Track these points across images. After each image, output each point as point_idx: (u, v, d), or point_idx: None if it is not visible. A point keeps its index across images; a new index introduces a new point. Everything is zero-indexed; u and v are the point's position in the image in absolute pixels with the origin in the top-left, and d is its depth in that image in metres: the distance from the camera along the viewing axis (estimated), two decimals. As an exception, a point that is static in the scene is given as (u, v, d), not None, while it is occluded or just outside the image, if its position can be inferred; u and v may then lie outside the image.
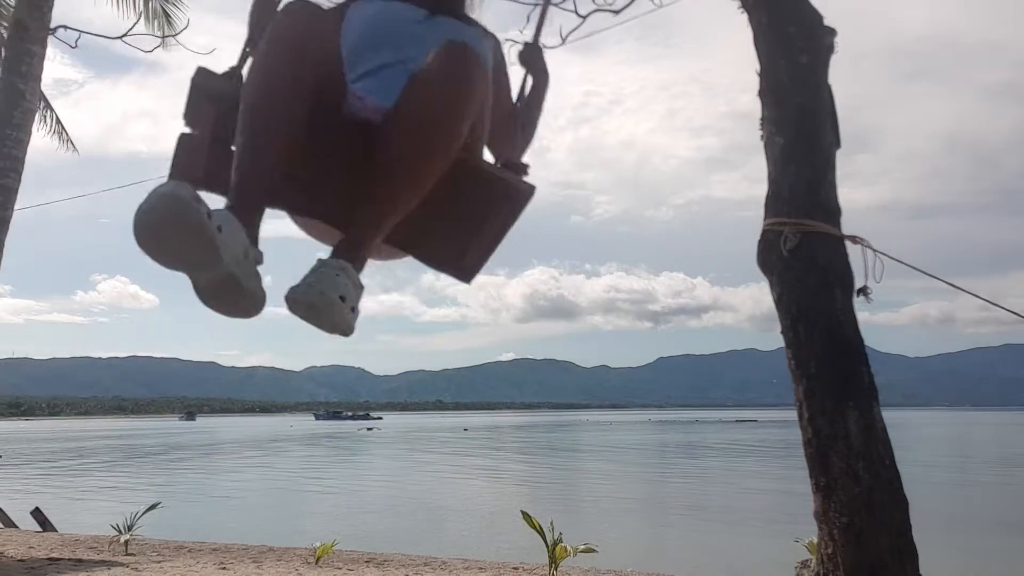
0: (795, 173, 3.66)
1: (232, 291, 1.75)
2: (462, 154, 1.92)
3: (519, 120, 2.37)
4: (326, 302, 1.75)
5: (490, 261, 2.06)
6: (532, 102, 2.45)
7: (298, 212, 2.10)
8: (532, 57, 2.45)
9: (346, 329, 1.81)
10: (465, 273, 2.05)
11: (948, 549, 12.65)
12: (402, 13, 2.18)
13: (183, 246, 1.61)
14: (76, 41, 9.67)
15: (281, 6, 2.03)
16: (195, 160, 2.05)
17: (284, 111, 1.85)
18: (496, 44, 2.37)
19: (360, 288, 1.83)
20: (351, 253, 1.84)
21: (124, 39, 9.55)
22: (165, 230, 1.58)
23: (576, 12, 5.25)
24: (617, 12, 5.18)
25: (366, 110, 2.01)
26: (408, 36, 2.12)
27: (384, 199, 1.83)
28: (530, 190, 2.05)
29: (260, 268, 1.85)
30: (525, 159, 2.30)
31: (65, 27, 9.62)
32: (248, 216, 1.79)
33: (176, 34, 9.35)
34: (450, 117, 1.83)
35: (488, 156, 2.23)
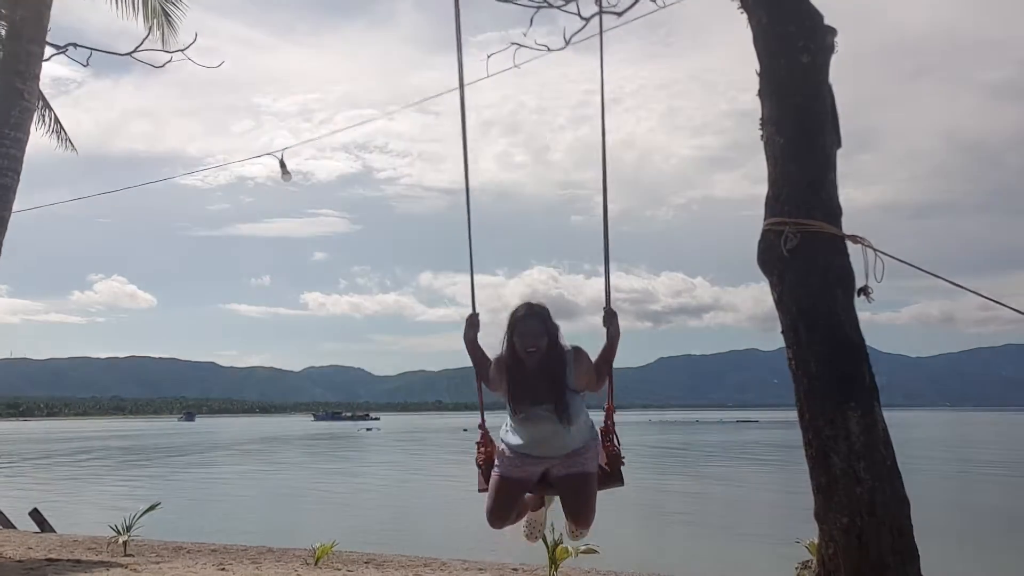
0: (795, 173, 3.64)
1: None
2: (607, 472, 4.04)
3: (601, 370, 3.93)
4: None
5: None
6: (606, 353, 3.92)
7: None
8: (609, 320, 3.91)
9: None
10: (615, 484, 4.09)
11: (950, 549, 12.63)
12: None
13: None
14: (87, 60, 9.83)
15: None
16: None
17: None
18: (585, 356, 3.89)
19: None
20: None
21: (134, 55, 9.63)
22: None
23: (579, 15, 5.24)
24: (620, 14, 5.17)
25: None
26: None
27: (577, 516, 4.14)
28: (620, 480, 4.09)
29: None
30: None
31: (75, 45, 9.75)
32: None
33: (184, 48, 9.39)
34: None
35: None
